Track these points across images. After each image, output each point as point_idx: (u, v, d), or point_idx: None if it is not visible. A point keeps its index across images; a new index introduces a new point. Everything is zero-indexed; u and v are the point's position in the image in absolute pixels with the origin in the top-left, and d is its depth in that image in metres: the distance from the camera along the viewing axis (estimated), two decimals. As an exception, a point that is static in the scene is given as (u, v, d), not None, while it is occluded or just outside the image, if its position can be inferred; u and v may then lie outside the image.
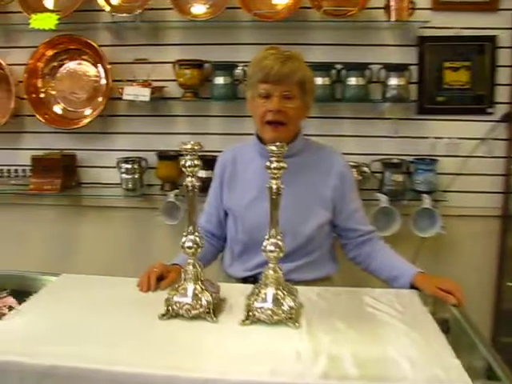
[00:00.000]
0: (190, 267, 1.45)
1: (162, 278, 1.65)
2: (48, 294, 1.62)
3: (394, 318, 1.45)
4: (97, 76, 2.71)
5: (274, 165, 1.36)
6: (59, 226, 2.86)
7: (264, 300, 1.39)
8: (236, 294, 1.58)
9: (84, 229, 2.87)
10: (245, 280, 1.86)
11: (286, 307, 1.38)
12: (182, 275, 1.46)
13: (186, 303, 1.41)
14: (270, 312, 1.38)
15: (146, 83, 2.56)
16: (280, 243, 1.41)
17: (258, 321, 1.39)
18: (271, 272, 1.41)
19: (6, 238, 2.89)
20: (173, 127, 2.73)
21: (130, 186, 2.70)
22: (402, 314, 1.47)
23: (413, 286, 1.67)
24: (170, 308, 1.43)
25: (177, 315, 1.43)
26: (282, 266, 1.61)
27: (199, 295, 1.42)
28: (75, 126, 2.69)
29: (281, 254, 1.41)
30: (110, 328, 1.38)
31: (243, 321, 1.39)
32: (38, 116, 2.67)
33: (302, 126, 1.88)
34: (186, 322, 1.42)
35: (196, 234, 1.44)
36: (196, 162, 1.40)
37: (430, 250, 2.65)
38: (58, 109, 2.74)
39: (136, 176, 2.70)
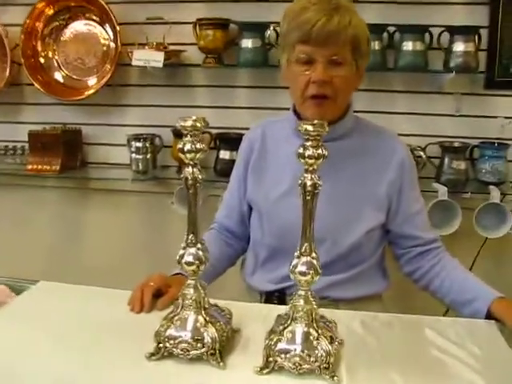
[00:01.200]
0: (191, 290, 1.06)
1: (160, 295, 1.28)
2: (11, 312, 1.26)
3: (469, 366, 1.04)
4: (105, 39, 2.32)
5: (310, 152, 0.94)
6: (62, 211, 2.51)
7: (290, 341, 0.99)
8: (255, 319, 1.19)
9: (90, 214, 2.51)
10: (269, 295, 1.46)
11: (320, 353, 0.98)
12: (180, 300, 1.07)
13: (183, 340, 1.03)
14: (297, 359, 0.98)
15: (159, 46, 2.16)
16: (315, 263, 1.00)
17: (281, 370, 1.00)
18: (301, 302, 1.01)
19: (3, 222, 2.56)
20: (192, 99, 2.33)
21: (140, 167, 2.32)
22: (479, 361, 1.06)
23: (490, 316, 1.25)
24: (160, 345, 1.04)
25: (170, 355, 1.04)
26: (318, 280, 1.23)
27: (201, 330, 1.03)
28: (80, 97, 2.31)
29: (316, 278, 1.00)
30: (79, 368, 1.01)
31: (260, 369, 1.00)
32: (36, 84, 2.30)
33: (352, 101, 1.46)
34: (183, 365, 1.03)
35: (199, 245, 1.05)
36: (198, 145, 0.99)
37: (492, 254, 2.22)
38: (59, 76, 2.36)
39: (148, 156, 2.32)
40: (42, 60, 2.35)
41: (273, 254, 1.47)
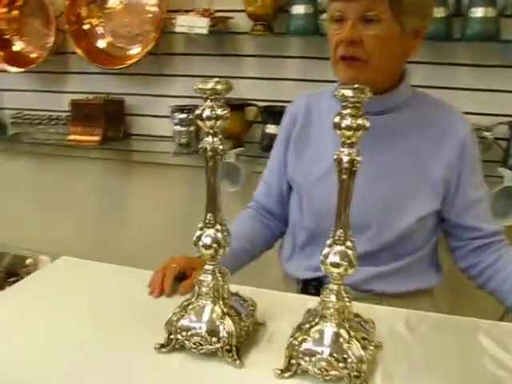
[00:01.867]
0: (208, 277, 0.93)
1: (184, 278, 1.17)
2: (26, 287, 1.18)
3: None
4: (152, 5, 2.20)
5: (348, 122, 0.79)
6: (104, 183, 2.44)
7: (317, 342, 0.86)
8: (286, 311, 1.06)
9: (131, 187, 2.43)
10: (306, 284, 1.33)
11: (351, 358, 0.83)
12: (196, 287, 0.95)
13: (196, 333, 0.91)
14: (324, 364, 0.84)
15: (205, 12, 2.02)
16: (350, 253, 0.85)
17: (305, 374, 0.86)
18: (332, 298, 0.87)
19: (45, 194, 2.53)
20: (239, 69, 2.19)
21: (183, 140, 2.21)
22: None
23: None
24: (172, 337, 0.93)
25: (182, 348, 0.93)
26: (361, 270, 1.09)
27: (217, 322, 0.91)
28: (123, 66, 2.21)
29: (350, 271, 0.86)
30: (83, 358, 0.91)
31: (281, 371, 0.87)
32: (79, 52, 2.21)
33: (407, 70, 1.29)
34: (196, 360, 0.92)
35: (218, 227, 0.92)
36: (219, 111, 0.86)
37: None
38: (103, 44, 2.27)
39: (191, 128, 2.20)
40: (85, 27, 2.26)
41: (311, 239, 1.33)
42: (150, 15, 2.21)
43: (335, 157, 0.82)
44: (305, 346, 0.86)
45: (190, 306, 0.94)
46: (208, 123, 0.86)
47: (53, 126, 2.32)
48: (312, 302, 1.01)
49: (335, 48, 1.19)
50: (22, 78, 2.41)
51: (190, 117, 2.19)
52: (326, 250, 0.86)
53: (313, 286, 1.29)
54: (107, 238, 2.42)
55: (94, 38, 2.27)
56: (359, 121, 0.79)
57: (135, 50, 2.25)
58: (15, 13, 2.36)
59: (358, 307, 1.10)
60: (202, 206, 2.35)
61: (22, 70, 2.31)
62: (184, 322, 0.92)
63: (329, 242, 0.86)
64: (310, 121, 1.37)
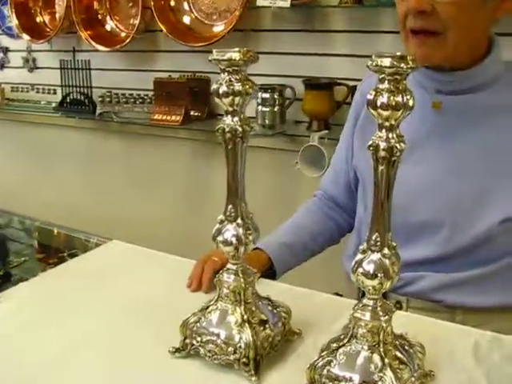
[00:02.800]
0: (229, 277, 0.81)
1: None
2: (70, 268, 1.15)
3: None
4: (238, -22, 2.09)
5: (384, 99, 0.64)
6: (188, 163, 2.40)
7: (343, 367, 0.71)
8: (331, 321, 0.92)
9: (213, 169, 2.36)
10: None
11: (385, 391, 0.68)
12: (217, 288, 0.83)
13: (212, 340, 0.79)
14: (351, 394, 0.69)
15: (289, -17, 1.87)
16: (387, 263, 0.69)
17: (329, 403, 0.72)
18: (366, 316, 0.71)
19: (133, 171, 2.53)
20: (327, 45, 2.02)
21: (267, 121, 2.09)
22: None
23: None
24: (187, 341, 0.82)
25: (197, 355, 0.82)
26: (430, 277, 0.94)
27: (234, 330, 0.79)
28: (207, 43, 2.13)
29: (386, 285, 0.70)
30: (98, 355, 0.85)
31: (301, 396, 0.73)
32: (164, 29, 2.16)
33: (496, 39, 1.07)
34: (210, 370, 0.81)
35: (239, 220, 0.79)
36: (238, 86, 0.73)
37: None
38: (188, 20, 2.20)
39: (275, 109, 2.08)
40: (172, 3, 2.20)
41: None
42: (236, -11, 2.10)
43: (370, 142, 0.66)
44: (329, 369, 0.71)
45: (209, 309, 0.83)
46: (225, 100, 0.74)
47: (139, 105, 2.29)
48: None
49: (403, 19, 1.00)
50: (110, 57, 2.41)
51: (275, 96, 2.07)
52: (358, 257, 0.71)
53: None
54: (189, 219, 2.38)
55: (179, 14, 2.20)
56: (399, 98, 0.63)
57: (220, 27, 2.15)
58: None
59: (419, 320, 0.94)
60: (282, 190, 2.22)
61: (110, 49, 2.31)
62: (200, 326, 0.81)
63: (362, 246, 0.71)
64: None
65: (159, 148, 2.43)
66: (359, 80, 1.94)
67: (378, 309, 0.71)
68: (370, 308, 0.71)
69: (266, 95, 2.06)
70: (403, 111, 0.63)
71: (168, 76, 2.22)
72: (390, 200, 0.69)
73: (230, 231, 0.79)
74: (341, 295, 1.22)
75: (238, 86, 0.72)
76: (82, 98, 2.45)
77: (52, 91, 2.65)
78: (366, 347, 0.70)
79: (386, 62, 0.62)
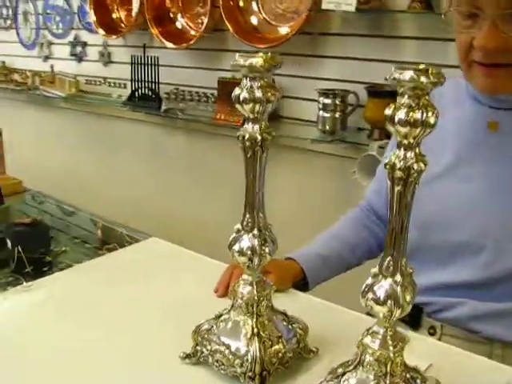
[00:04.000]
0: (244, 288, 0.79)
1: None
2: (103, 262, 1.17)
3: None
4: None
5: (402, 115, 0.60)
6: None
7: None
8: (352, 340, 0.88)
9: (273, 170, 2.33)
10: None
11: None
12: (231, 297, 0.82)
13: (219, 350, 0.78)
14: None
15: (356, -13, 1.82)
16: (398, 290, 0.65)
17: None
18: (375, 344, 0.67)
19: (197, 169, 2.56)
20: (395, 52, 1.95)
21: (327, 126, 2.05)
22: None
23: None
24: (198, 348, 0.81)
25: (205, 363, 0.81)
26: (468, 304, 0.89)
27: (243, 342, 0.77)
28: (273, 44, 2.11)
29: (397, 313, 0.66)
30: (112, 351, 0.86)
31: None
32: (230, 28, 2.16)
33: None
34: (220, 380, 0.79)
35: (256, 231, 0.77)
36: (259, 93, 0.71)
37: None
38: (255, 21, 2.19)
39: (337, 115, 2.03)
40: (241, 3, 2.20)
41: (413, 253, 1.10)
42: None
43: (387, 160, 0.62)
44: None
45: (222, 318, 0.81)
46: (246, 107, 0.72)
47: (203, 103, 2.31)
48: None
49: (466, 49, 0.93)
50: (179, 54, 2.45)
51: (336, 102, 2.02)
52: (369, 280, 0.67)
53: (408, 314, 1.07)
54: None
55: (247, 15, 2.20)
56: (418, 114, 0.58)
57: (286, 29, 2.13)
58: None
59: (449, 350, 0.88)
60: (338, 199, 2.17)
61: (178, 46, 2.34)
62: (211, 334, 0.80)
63: (374, 270, 0.67)
64: (439, 102, 1.13)
65: (221, 147, 2.43)
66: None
67: (388, 337, 0.67)
68: (379, 336, 0.67)
69: (328, 100, 2.02)
70: (423, 129, 0.59)
71: (231, 76, 2.22)
72: (406, 223, 0.64)
73: (246, 241, 0.77)
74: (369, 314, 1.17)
75: (259, 93, 0.70)
76: (150, 93, 2.49)
77: (123, 85, 2.72)
78: (371, 376, 0.67)
79: (406, 75, 0.58)
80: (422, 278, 1.04)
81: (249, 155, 0.74)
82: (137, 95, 2.55)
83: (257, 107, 0.71)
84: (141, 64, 2.50)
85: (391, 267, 0.65)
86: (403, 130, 0.59)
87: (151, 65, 2.47)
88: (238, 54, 0.71)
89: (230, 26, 2.17)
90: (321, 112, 2.05)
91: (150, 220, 2.74)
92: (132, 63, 2.53)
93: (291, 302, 0.98)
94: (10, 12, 3.36)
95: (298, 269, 1.12)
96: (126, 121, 2.76)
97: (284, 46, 2.09)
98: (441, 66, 1.63)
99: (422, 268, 1.07)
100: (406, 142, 0.60)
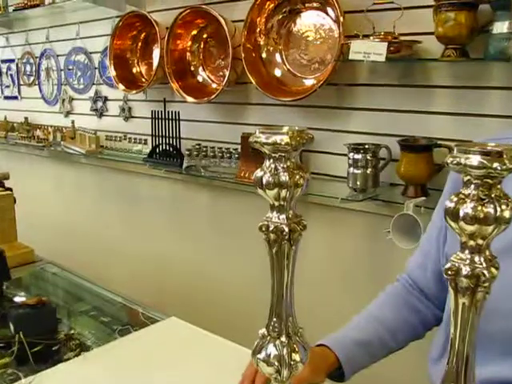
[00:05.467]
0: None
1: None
2: (116, 348, 1.04)
3: None
4: (330, 30, 1.98)
5: (467, 209, 0.47)
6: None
7: None
8: None
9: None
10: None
11: None
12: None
13: None
14: None
15: (386, 36, 1.73)
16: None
17: None
18: None
19: (220, 226, 2.44)
20: (428, 102, 1.83)
21: (358, 183, 1.92)
22: None
23: None
24: None
25: None
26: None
27: None
28: (298, 97, 2.01)
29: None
30: None
31: None
32: (253, 80, 2.07)
33: None
34: None
35: (284, 338, 0.64)
36: (285, 176, 0.59)
37: None
38: (279, 73, 2.11)
39: (368, 171, 1.90)
40: (264, 55, 2.12)
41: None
42: (330, 41, 1.98)
43: (448, 265, 0.49)
44: None
45: None
46: (270, 193, 0.60)
47: (226, 159, 2.21)
48: None
49: None
50: (200, 108, 2.37)
51: (368, 157, 1.90)
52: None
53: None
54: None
55: (270, 67, 2.11)
56: (490, 209, 0.45)
57: (312, 80, 2.04)
58: (200, 45, 2.34)
59: None
60: (381, 260, 2.02)
61: (198, 100, 2.26)
62: None
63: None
64: None
65: (246, 203, 2.32)
66: (462, 141, 1.76)
67: None
68: None
69: (358, 156, 1.90)
70: (496, 227, 0.46)
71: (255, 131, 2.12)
72: (471, 340, 0.50)
73: (272, 350, 0.64)
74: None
75: (284, 177, 0.58)
76: (171, 149, 2.41)
77: (143, 141, 2.65)
78: None
79: (474, 160, 0.45)
80: (482, 367, 0.89)
81: (274, 250, 0.61)
82: (158, 151, 2.47)
83: (283, 193, 0.59)
84: (161, 119, 2.42)
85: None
86: (470, 228, 0.46)
87: (172, 119, 2.39)
88: (257, 130, 0.60)
89: (252, 79, 2.08)
90: (351, 169, 1.93)
91: (171, 279, 2.63)
92: (152, 118, 2.46)
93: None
94: (34, 68, 3.35)
95: (333, 358, 0.98)
96: (147, 177, 2.69)
97: (309, 99, 1.99)
98: (475, 116, 1.50)
99: (481, 356, 0.92)
100: (472, 243, 0.47)
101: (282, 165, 0.59)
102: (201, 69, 2.37)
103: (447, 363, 0.53)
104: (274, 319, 0.65)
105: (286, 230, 0.60)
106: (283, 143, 0.58)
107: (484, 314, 0.92)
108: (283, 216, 0.61)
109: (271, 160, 0.59)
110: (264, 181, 0.60)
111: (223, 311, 2.37)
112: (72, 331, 1.13)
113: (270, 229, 0.61)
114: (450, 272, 0.49)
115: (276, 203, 0.60)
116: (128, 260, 2.86)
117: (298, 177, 0.59)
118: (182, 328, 1.13)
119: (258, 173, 0.61)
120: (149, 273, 2.74)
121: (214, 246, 2.48)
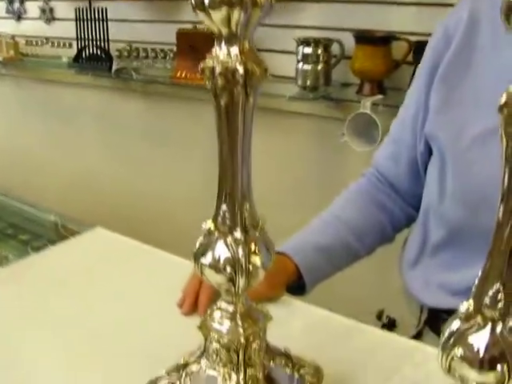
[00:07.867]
0: (224, 324, 0.48)
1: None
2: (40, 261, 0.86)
3: None
4: None
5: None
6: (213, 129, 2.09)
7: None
8: (380, 370, 0.60)
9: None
10: (434, 315, 0.84)
11: None
12: (206, 343, 0.51)
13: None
14: None
15: None
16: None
17: None
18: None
19: (151, 137, 2.24)
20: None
21: (308, 81, 1.73)
22: None
23: None
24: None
25: None
26: None
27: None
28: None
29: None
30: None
31: None
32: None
33: None
34: None
35: (238, 232, 0.46)
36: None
37: None
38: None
39: (319, 67, 1.72)
40: None
41: (454, 238, 0.81)
42: None
43: (504, 99, 0.33)
44: None
45: (188, 369, 0.50)
46: (215, 15, 0.40)
47: (160, 60, 1.98)
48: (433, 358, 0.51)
49: None
50: (130, 6, 2.10)
51: (319, 52, 1.71)
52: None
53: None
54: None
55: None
56: None
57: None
58: None
59: None
60: (332, 166, 1.87)
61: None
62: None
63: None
64: (475, 44, 0.82)
65: (185, 110, 2.12)
66: (424, 35, 1.58)
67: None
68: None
69: (308, 50, 1.71)
70: None
71: (193, 27, 1.89)
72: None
73: (223, 251, 0.46)
74: (390, 318, 0.89)
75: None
76: (99, 52, 2.15)
77: (68, 45, 2.36)
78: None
79: None
80: (468, 270, 0.76)
81: (222, 102, 0.42)
82: (84, 55, 2.20)
83: (235, 15, 0.39)
84: (87, 20, 2.14)
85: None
86: None
87: (99, 20, 2.11)
88: None
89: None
90: (300, 64, 1.74)
91: (101, 198, 2.44)
92: (77, 19, 2.17)
93: (289, 319, 0.70)
94: None
95: (292, 267, 0.83)
96: (74, 86, 2.42)
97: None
98: (440, 6, 1.31)
99: (466, 256, 0.78)
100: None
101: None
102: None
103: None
104: (224, 207, 0.46)
105: (241, 70, 0.41)
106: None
107: (474, 204, 0.79)
108: (236, 50, 0.41)
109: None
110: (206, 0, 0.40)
111: (158, 229, 2.20)
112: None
113: (217, 71, 0.42)
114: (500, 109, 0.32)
115: (225, 31, 0.41)
116: (56, 178, 2.63)
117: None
118: (109, 239, 0.95)
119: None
120: (78, 190, 2.53)
121: (149, 160, 2.28)
